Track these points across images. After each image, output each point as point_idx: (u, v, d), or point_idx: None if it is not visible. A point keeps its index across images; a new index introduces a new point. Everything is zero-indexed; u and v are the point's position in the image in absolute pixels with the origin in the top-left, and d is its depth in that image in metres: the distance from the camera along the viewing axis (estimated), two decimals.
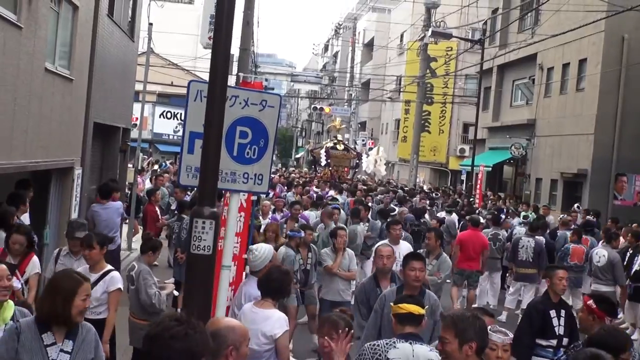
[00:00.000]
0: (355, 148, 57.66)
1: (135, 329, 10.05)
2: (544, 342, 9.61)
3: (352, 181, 36.85)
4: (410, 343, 6.22)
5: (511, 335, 6.60)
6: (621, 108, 31.01)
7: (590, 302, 7.44)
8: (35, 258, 9.87)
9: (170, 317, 3.79)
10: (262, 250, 8.72)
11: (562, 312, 9.68)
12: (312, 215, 18.95)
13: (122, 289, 9.26)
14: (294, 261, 13.54)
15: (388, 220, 16.79)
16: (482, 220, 19.96)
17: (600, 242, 18.57)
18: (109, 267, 9.37)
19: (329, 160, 40.03)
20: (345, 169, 41.03)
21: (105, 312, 9.12)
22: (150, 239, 11.31)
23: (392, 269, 10.00)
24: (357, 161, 42.42)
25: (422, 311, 6.55)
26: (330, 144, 42.30)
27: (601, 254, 16.79)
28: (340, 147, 41.15)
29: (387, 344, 6.23)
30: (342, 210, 21.48)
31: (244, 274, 9.31)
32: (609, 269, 16.59)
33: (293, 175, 43.01)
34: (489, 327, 6.46)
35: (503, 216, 22.68)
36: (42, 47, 13.77)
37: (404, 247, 13.58)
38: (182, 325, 3.63)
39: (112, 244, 14.16)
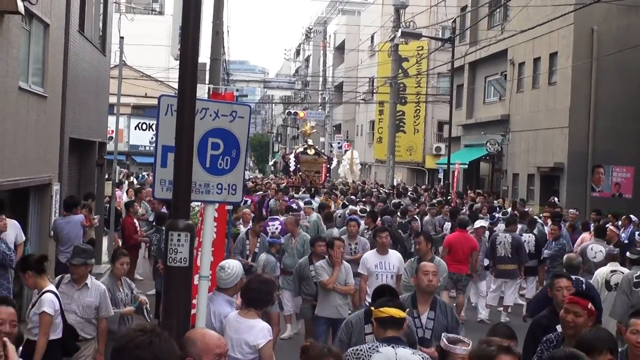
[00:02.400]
0: (331, 152, 57.77)
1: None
2: None
3: (323, 185, 36.76)
4: (393, 347, 6.25)
5: (470, 343, 6.45)
6: (594, 100, 31.23)
7: (590, 305, 7.11)
8: None
9: (134, 329, 3.85)
10: (233, 267, 8.57)
11: None
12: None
13: (48, 312, 8.79)
14: (275, 267, 13.60)
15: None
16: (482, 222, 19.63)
17: (579, 235, 18.73)
18: (48, 287, 9.07)
19: (298, 166, 39.78)
20: (317, 174, 40.84)
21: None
22: (115, 250, 11.36)
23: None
24: (328, 165, 42.13)
25: (403, 314, 6.58)
26: (301, 149, 42.10)
27: (597, 249, 15.97)
28: (311, 152, 40.80)
29: (369, 348, 6.27)
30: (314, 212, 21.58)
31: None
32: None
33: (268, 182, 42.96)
34: (445, 339, 6.53)
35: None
36: (15, 67, 13.80)
37: (394, 257, 12.75)
38: (146, 334, 3.68)
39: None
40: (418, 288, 8.55)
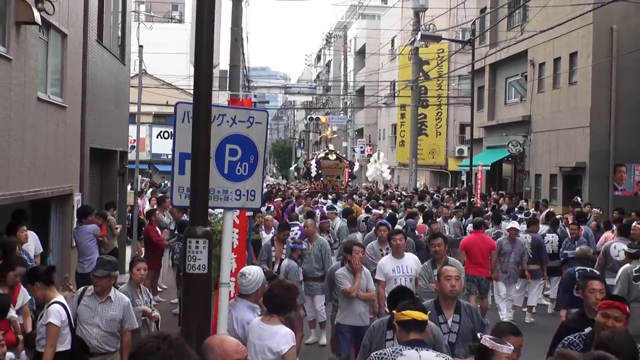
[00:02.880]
0: (353, 156, 57.69)
1: None
2: None
3: (345, 190, 36.70)
4: (417, 349, 6.17)
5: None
6: (615, 99, 31.04)
7: (628, 308, 6.97)
8: (23, 287, 9.91)
9: (150, 335, 3.89)
10: (254, 273, 8.49)
11: None
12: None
13: (54, 323, 8.76)
14: (297, 273, 13.56)
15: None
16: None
17: (602, 234, 18.62)
18: (57, 298, 9.04)
19: (320, 171, 39.66)
20: (339, 179, 40.72)
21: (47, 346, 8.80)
22: (133, 257, 11.33)
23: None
24: (350, 170, 41.98)
25: (425, 317, 6.51)
26: (322, 154, 42.00)
27: (620, 247, 15.60)
28: (332, 157, 40.67)
29: (393, 351, 6.20)
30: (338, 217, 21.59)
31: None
32: None
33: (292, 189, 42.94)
34: (487, 340, 6.40)
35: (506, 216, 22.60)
36: (33, 77, 13.87)
37: (411, 260, 12.52)
38: (157, 340, 3.70)
39: (88, 265, 14.41)
40: (441, 293, 8.28)
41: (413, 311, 6.45)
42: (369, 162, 51.72)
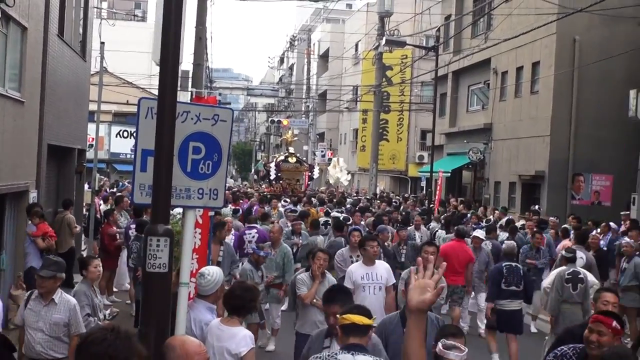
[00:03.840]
0: (314, 159, 57.56)
1: None
2: None
3: (304, 194, 36.58)
4: (353, 354, 6.02)
5: (465, 349, 6.35)
6: (575, 109, 31.29)
7: (615, 323, 6.81)
8: None
9: (99, 327, 3.92)
10: (214, 274, 8.40)
11: None
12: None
13: None
14: (248, 276, 13.29)
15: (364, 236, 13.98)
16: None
17: (560, 242, 18.76)
18: None
19: (279, 174, 39.53)
20: (299, 182, 40.55)
21: None
22: (87, 257, 11.12)
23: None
24: (310, 174, 41.79)
25: (368, 322, 6.34)
26: (282, 157, 41.89)
27: (579, 255, 15.56)
28: (292, 160, 40.57)
29: (329, 355, 6.06)
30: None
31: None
32: (590, 270, 15.51)
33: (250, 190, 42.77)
34: (441, 344, 6.36)
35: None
36: None
37: (382, 268, 12.02)
38: (104, 331, 3.64)
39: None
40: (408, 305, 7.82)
41: (355, 315, 6.30)
42: (330, 166, 51.73)
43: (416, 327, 4.25)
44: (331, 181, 48.00)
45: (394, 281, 12.13)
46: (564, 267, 13.65)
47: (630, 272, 16.40)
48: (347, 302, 7.18)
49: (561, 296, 13.18)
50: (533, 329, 17.56)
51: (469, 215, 26.30)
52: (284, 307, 15.23)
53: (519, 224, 24.16)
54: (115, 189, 35.58)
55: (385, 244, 17.36)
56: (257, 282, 13.23)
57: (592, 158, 31.01)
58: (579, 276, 13.26)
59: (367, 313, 6.49)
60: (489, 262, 17.24)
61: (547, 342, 13.17)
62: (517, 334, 14.19)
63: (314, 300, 10.90)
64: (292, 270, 14.68)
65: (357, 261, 12.97)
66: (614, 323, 6.77)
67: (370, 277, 11.65)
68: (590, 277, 14.09)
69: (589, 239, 17.88)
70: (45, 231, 15.82)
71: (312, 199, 32.07)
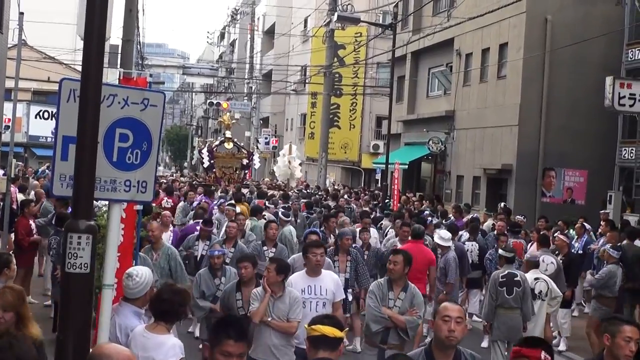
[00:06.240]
0: (257, 147, 57.28)
1: None
2: None
3: (241, 184, 35.84)
4: None
5: None
6: (546, 96, 31.55)
7: (544, 355, 6.16)
8: None
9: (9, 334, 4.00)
10: (142, 275, 8.28)
11: None
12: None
13: None
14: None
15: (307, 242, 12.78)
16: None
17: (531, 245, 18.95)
18: None
19: (212, 161, 38.81)
20: (237, 171, 39.80)
21: None
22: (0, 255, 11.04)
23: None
24: (248, 161, 40.85)
25: (339, 334, 6.35)
26: (217, 142, 41.26)
27: (548, 261, 16.02)
28: (229, 145, 39.71)
29: None
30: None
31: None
32: (558, 276, 15.94)
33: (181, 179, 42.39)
34: None
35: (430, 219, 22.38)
36: None
37: (328, 280, 11.12)
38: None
39: None
40: (436, 339, 6.97)
41: (325, 326, 6.32)
42: (278, 155, 50.98)
43: None
44: (277, 172, 47.40)
45: (343, 296, 11.73)
46: (499, 270, 13.83)
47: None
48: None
49: (495, 301, 13.34)
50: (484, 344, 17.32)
51: (426, 212, 25.96)
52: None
53: (487, 224, 24.02)
54: (32, 177, 35.26)
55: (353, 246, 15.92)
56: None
57: (565, 151, 31.29)
58: (515, 279, 13.31)
59: (338, 324, 6.48)
60: (454, 266, 16.67)
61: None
62: None
63: (267, 319, 9.92)
64: (184, 277, 13.43)
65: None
66: (543, 354, 6.18)
67: (312, 291, 10.82)
68: (553, 286, 14.36)
69: (555, 241, 18.09)
70: None
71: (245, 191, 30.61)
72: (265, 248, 15.08)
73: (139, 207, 9.75)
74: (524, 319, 13.19)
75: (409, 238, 16.54)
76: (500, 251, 14.73)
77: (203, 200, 24.59)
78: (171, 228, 17.55)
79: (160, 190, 26.07)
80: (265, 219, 19.37)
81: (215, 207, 23.04)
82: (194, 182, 36.59)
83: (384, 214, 24.49)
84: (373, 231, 19.73)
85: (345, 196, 33.26)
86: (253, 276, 10.91)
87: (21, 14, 25.74)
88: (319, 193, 35.30)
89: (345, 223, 19.84)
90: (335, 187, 44.28)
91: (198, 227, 16.64)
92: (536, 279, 14.26)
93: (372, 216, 22.81)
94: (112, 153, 7.44)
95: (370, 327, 10.28)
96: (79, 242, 6.58)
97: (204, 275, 12.48)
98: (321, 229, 18.84)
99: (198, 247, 15.74)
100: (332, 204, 27.52)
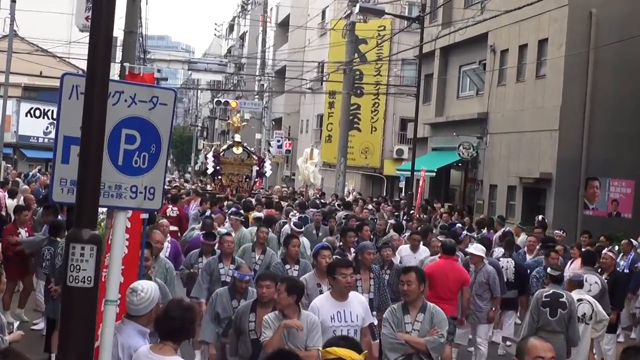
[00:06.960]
0: (268, 151, 57.13)
1: None
2: None
3: (249, 194, 35.62)
4: None
5: None
6: (590, 98, 31.36)
7: None
8: None
9: None
10: (148, 290, 8.20)
11: None
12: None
13: None
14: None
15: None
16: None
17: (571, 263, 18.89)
18: None
19: (218, 167, 38.42)
20: (248, 179, 39.31)
21: None
22: None
23: None
24: (259, 168, 40.27)
25: (357, 357, 6.36)
26: (225, 147, 40.90)
27: (592, 280, 15.86)
28: (238, 150, 39.30)
29: None
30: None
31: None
32: (603, 298, 15.74)
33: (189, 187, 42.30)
34: None
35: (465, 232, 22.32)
36: None
37: (356, 303, 10.76)
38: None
39: None
40: None
41: (341, 349, 6.35)
42: (301, 159, 50.47)
43: None
44: (301, 180, 46.93)
45: (372, 320, 11.47)
46: (544, 288, 13.83)
47: None
48: None
49: (536, 322, 13.25)
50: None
51: (457, 225, 25.85)
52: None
53: (521, 239, 23.77)
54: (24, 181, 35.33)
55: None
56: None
57: (610, 159, 31.12)
58: (560, 300, 13.25)
59: (356, 346, 6.49)
60: (498, 278, 16.66)
61: None
62: None
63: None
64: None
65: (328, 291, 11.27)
66: None
67: (342, 317, 10.44)
68: (598, 308, 14.28)
69: (601, 258, 17.97)
70: None
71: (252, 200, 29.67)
72: (287, 267, 14.38)
73: (145, 215, 9.72)
74: (569, 345, 13.13)
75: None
76: (548, 270, 14.47)
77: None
78: (169, 238, 17.48)
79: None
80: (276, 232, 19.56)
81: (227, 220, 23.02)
82: (198, 189, 36.44)
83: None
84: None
85: (370, 206, 33.13)
86: (273, 298, 10.22)
87: (13, 1, 25.86)
88: (337, 202, 35.07)
89: (394, 239, 19.24)
90: (353, 195, 44.06)
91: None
92: (579, 300, 14.01)
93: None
94: (117, 156, 7.41)
95: (389, 358, 9.97)
96: (82, 253, 6.59)
97: (222, 295, 12.14)
98: (339, 243, 18.29)
99: (201, 264, 15.44)
100: (343, 213, 27.30)
